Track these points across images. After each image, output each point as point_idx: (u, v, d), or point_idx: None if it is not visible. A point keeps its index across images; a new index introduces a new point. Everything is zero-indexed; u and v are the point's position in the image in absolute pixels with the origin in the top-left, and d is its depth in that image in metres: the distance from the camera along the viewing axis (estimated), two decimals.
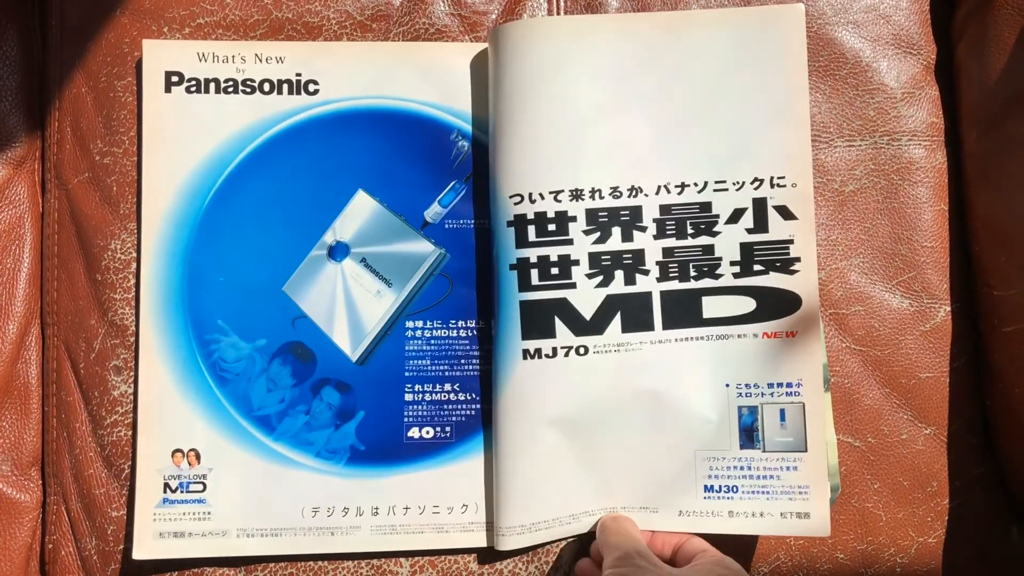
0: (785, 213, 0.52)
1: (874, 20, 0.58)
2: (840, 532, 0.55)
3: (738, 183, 0.52)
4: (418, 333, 0.54)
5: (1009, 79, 0.53)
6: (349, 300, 0.54)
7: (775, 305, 0.52)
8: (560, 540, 0.54)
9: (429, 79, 0.55)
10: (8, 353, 0.55)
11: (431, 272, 0.55)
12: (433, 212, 0.55)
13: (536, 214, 0.52)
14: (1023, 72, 0.52)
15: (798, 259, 0.52)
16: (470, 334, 0.55)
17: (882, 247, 0.56)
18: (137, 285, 0.54)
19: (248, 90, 0.55)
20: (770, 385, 0.52)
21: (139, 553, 0.52)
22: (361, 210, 0.55)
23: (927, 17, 0.58)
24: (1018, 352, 0.53)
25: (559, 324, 0.51)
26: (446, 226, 0.55)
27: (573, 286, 0.52)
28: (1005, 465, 0.56)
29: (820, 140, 0.57)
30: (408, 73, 0.55)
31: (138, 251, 0.54)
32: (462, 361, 0.54)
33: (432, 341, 0.54)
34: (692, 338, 0.52)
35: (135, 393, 0.54)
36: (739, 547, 0.54)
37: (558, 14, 0.57)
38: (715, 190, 0.52)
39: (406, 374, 0.54)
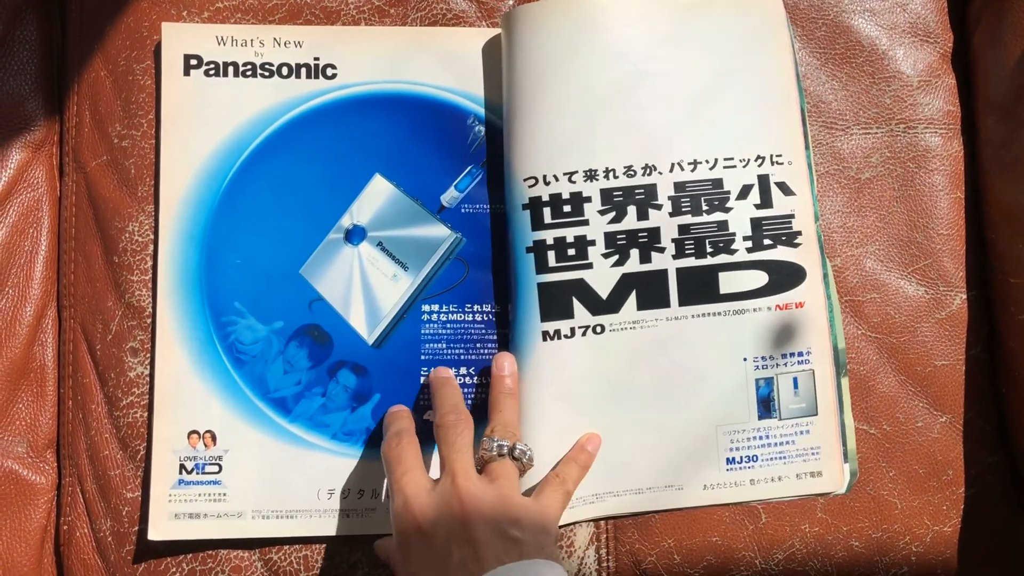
0: (785, 189, 0.53)
1: (890, 8, 0.58)
2: (855, 520, 0.55)
3: (744, 160, 0.53)
4: (434, 317, 0.54)
5: None
6: (366, 283, 0.54)
7: (785, 278, 0.53)
8: (581, 521, 0.54)
9: (446, 64, 0.56)
10: (25, 335, 0.55)
11: (447, 256, 0.55)
12: (450, 196, 0.55)
13: (551, 196, 0.52)
14: None
15: (800, 232, 0.53)
16: (486, 318, 0.55)
17: (898, 235, 0.56)
18: (154, 267, 0.54)
19: (266, 74, 0.55)
20: (783, 355, 0.53)
21: (154, 534, 0.52)
22: (378, 194, 0.55)
23: (943, 5, 0.58)
24: None
25: (576, 304, 0.52)
26: (462, 210, 0.55)
27: (590, 266, 0.52)
28: (1019, 453, 0.56)
29: (837, 127, 0.57)
30: (425, 58, 0.55)
31: (155, 233, 0.55)
32: (477, 345, 0.54)
33: (448, 325, 0.54)
34: (709, 314, 0.52)
35: (151, 374, 0.54)
36: (754, 533, 0.54)
37: None
38: (725, 167, 0.53)
39: (422, 357, 0.54)
